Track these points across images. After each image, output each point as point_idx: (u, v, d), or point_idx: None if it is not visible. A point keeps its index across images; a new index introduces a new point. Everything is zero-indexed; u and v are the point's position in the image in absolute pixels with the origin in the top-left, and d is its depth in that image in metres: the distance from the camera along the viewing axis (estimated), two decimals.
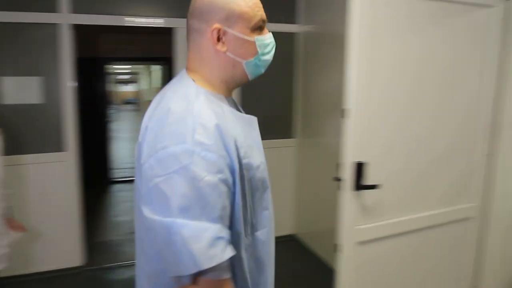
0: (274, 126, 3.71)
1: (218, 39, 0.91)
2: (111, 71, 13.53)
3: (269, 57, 0.99)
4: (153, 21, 3.22)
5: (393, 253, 2.09)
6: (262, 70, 1.00)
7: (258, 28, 0.94)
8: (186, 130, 0.80)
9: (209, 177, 0.78)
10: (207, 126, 0.82)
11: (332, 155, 1.87)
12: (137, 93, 19.89)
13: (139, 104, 19.60)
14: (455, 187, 2.23)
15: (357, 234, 1.93)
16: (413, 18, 1.90)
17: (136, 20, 3.17)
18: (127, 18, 3.14)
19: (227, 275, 0.81)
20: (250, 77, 0.98)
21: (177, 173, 0.76)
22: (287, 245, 3.69)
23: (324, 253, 3.35)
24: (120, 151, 8.82)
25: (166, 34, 3.43)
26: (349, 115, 1.76)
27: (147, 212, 0.79)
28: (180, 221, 0.75)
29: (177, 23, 3.25)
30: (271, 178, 1.06)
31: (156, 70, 9.26)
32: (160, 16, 3.23)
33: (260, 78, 1.05)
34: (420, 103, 2.01)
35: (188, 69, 0.98)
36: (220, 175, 0.80)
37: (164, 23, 3.24)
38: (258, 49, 0.95)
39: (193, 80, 0.93)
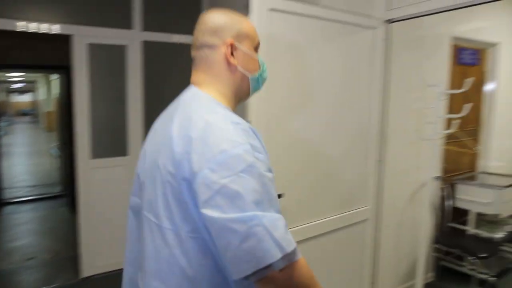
0: None
1: (231, 53, 1.01)
2: (2, 79, 12.24)
3: (266, 75, 1.12)
4: (48, 27, 2.98)
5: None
6: (261, 86, 1.11)
7: (256, 49, 1.08)
8: (237, 134, 0.86)
9: (267, 174, 0.87)
10: (249, 131, 0.91)
11: None
12: (35, 104, 18.19)
13: (37, 115, 17.95)
14: (352, 192, 2.41)
15: None
16: (308, 35, 2.03)
17: (30, 26, 2.91)
18: (18, 23, 2.86)
19: (301, 255, 0.87)
20: (251, 93, 1.09)
21: (244, 172, 0.82)
22: None
23: None
24: (14, 168, 7.95)
25: (63, 41, 3.20)
26: None
27: (215, 213, 0.81)
28: (259, 213, 0.80)
29: (75, 30, 3.05)
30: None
31: (56, 79, 8.56)
32: (56, 22, 3.00)
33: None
34: (318, 114, 2.14)
35: (196, 84, 1.03)
36: (270, 174, 0.89)
37: (61, 30, 3.02)
38: (260, 66, 1.08)
39: (209, 95, 0.99)
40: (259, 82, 1.09)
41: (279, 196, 1.90)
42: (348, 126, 2.32)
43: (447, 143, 3.23)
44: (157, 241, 0.93)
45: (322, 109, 2.16)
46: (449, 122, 3.02)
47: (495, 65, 3.59)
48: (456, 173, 3.48)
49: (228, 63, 1.01)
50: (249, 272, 0.80)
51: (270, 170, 0.90)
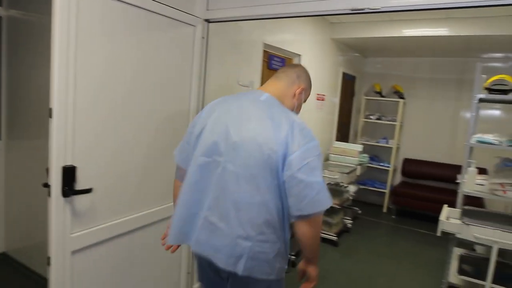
0: None
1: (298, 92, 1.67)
2: None
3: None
4: None
5: (113, 256, 2.09)
6: None
7: (304, 101, 1.75)
8: (312, 133, 1.49)
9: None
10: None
11: (45, 159, 1.69)
12: None
13: None
14: (165, 186, 2.38)
15: (71, 243, 1.82)
16: (126, 23, 1.95)
17: None
18: None
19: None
20: None
21: (317, 156, 1.45)
22: None
23: (43, 270, 3.00)
24: None
25: None
26: (55, 115, 1.64)
27: (303, 177, 1.39)
28: (323, 180, 1.43)
29: None
30: None
31: None
32: None
33: None
34: (132, 106, 2.07)
35: (272, 94, 1.61)
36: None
37: None
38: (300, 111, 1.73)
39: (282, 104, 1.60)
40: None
41: (86, 191, 1.81)
42: (166, 119, 2.33)
43: None
44: (252, 190, 1.45)
45: (137, 100, 2.11)
46: None
47: None
48: None
49: (293, 95, 1.65)
50: (316, 210, 1.41)
51: None
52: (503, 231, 2.48)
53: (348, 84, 5.88)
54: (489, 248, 2.60)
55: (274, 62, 3.72)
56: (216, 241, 1.48)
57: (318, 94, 4.69)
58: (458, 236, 2.66)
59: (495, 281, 2.54)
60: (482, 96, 3.01)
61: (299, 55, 4.11)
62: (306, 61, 4.23)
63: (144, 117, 2.16)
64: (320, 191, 1.40)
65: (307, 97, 1.74)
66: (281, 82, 1.64)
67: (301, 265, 1.62)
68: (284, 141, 1.42)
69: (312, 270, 1.59)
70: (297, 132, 1.44)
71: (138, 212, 2.21)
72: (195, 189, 1.54)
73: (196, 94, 2.53)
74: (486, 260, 2.69)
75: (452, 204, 3.14)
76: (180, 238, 1.58)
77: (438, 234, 2.75)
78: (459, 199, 3.09)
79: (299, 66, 1.73)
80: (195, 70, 2.49)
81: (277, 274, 1.52)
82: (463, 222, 2.62)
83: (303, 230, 1.45)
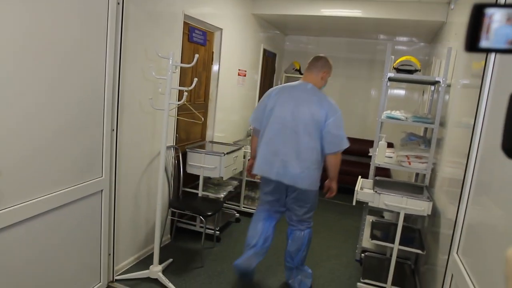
0: None
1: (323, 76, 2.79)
2: None
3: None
4: None
5: (23, 242, 1.90)
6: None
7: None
8: (337, 107, 2.63)
9: None
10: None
11: None
12: None
13: None
14: (81, 163, 2.24)
15: None
16: None
17: None
18: None
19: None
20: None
21: (341, 120, 2.63)
22: None
23: None
24: None
25: None
26: None
27: (334, 131, 2.59)
28: (344, 134, 2.66)
29: None
30: None
31: None
32: None
33: None
34: (33, 77, 1.84)
35: (309, 81, 2.70)
36: None
37: None
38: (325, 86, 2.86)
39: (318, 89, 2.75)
40: (322, 89, 2.74)
41: None
42: (77, 92, 2.12)
43: (180, 114, 3.48)
44: (309, 140, 2.58)
45: (42, 72, 1.88)
46: (181, 94, 3.24)
47: (220, 48, 4.09)
48: (188, 142, 3.81)
49: (321, 78, 2.71)
50: (337, 149, 2.64)
51: None
52: (408, 198, 2.72)
53: (269, 61, 5.93)
54: (395, 214, 2.85)
55: (195, 35, 3.59)
56: (289, 172, 2.60)
57: (239, 70, 4.67)
58: (371, 204, 2.87)
59: (400, 243, 2.80)
60: (391, 75, 3.23)
61: (221, 29, 4.02)
62: (227, 36, 4.16)
63: (47, 89, 1.94)
64: (341, 139, 2.61)
65: (329, 75, 2.76)
66: (313, 74, 2.71)
67: (327, 182, 2.80)
68: (324, 112, 2.56)
69: (333, 184, 2.80)
70: (331, 107, 2.58)
71: (51, 192, 2.01)
72: (271, 143, 2.65)
73: (112, 66, 2.35)
74: (393, 225, 2.95)
75: (366, 176, 3.37)
76: (262, 171, 2.70)
77: (354, 203, 2.94)
78: (371, 171, 3.33)
79: (322, 58, 2.72)
80: (110, 40, 2.29)
81: (318, 186, 2.71)
82: (375, 191, 2.83)
83: (330, 160, 2.68)
